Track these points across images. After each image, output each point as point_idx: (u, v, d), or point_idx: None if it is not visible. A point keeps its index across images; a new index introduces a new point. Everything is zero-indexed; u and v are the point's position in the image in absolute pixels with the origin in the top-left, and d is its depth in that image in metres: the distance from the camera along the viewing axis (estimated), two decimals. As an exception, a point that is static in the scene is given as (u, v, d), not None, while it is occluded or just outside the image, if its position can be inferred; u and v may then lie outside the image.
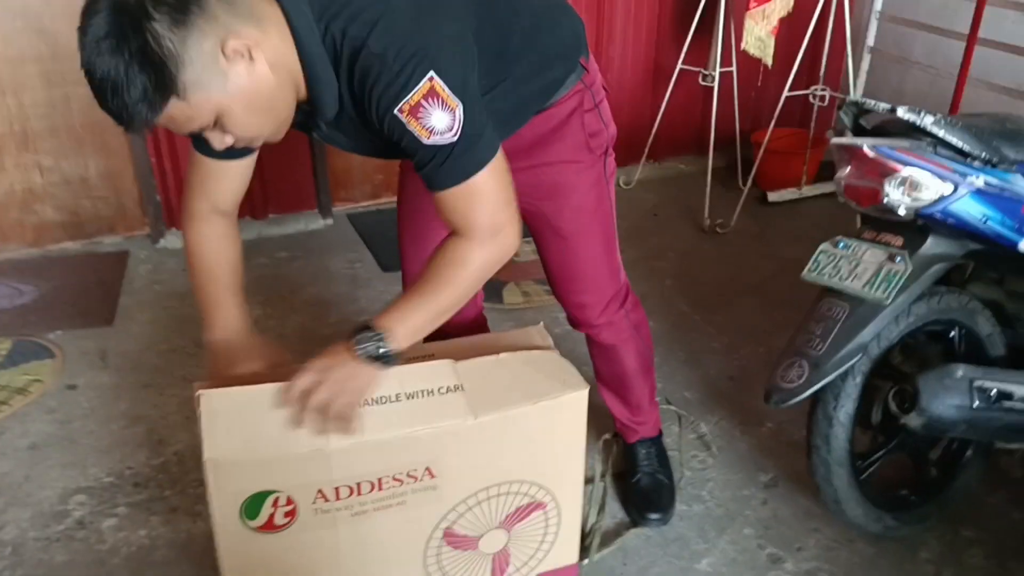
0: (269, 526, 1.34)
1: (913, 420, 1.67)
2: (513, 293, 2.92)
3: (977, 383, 1.68)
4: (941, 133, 1.60)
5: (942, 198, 1.60)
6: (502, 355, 1.48)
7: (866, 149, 1.63)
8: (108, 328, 2.68)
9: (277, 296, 2.89)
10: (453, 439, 1.38)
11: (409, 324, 1.31)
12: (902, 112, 1.60)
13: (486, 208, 1.29)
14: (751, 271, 3.11)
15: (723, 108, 3.49)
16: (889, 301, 1.63)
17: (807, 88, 3.47)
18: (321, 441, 1.29)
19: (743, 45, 3.34)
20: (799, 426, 1.92)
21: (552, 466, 1.53)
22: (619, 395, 1.93)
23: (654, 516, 1.91)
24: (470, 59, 1.26)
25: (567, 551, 1.66)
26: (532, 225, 1.66)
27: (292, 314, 2.79)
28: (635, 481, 1.96)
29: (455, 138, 1.22)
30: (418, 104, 1.18)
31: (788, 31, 3.41)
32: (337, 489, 1.34)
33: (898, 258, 1.65)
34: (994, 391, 1.69)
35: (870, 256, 1.69)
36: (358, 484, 1.35)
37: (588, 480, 1.96)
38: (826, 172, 3.70)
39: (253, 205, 3.37)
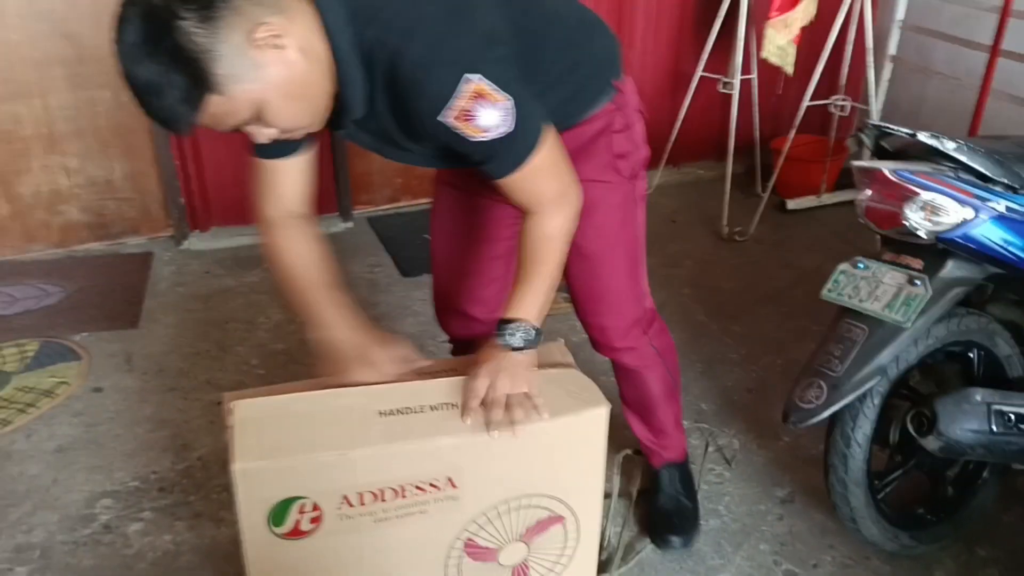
0: (295, 533, 1.37)
1: (931, 443, 1.68)
2: (531, 300, 2.94)
3: (995, 407, 1.69)
4: (963, 158, 1.61)
5: (963, 223, 1.61)
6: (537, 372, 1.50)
7: (887, 173, 1.64)
8: (133, 330, 2.73)
9: (298, 300, 2.92)
10: (474, 451, 1.41)
11: (535, 306, 1.40)
12: (923, 137, 1.61)
13: (550, 181, 1.35)
14: (769, 280, 3.12)
15: (742, 115, 3.49)
16: (909, 324, 1.64)
17: (828, 97, 3.47)
18: (347, 446, 1.33)
19: (763, 54, 3.34)
20: (816, 440, 1.94)
21: (572, 481, 1.55)
22: (642, 418, 1.92)
23: (675, 540, 1.92)
24: (507, 54, 1.27)
25: (585, 566, 1.68)
26: None
27: (313, 319, 2.82)
28: (658, 504, 1.96)
29: (508, 130, 1.24)
30: (466, 108, 1.19)
31: (809, 38, 3.41)
32: (361, 495, 1.38)
33: (918, 281, 1.66)
34: (1012, 415, 1.70)
35: (890, 278, 1.70)
36: (382, 490, 1.39)
37: (608, 495, 1.98)
38: (845, 180, 3.70)
39: (274, 208, 3.40)
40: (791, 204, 3.65)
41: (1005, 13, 2.91)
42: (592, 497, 1.60)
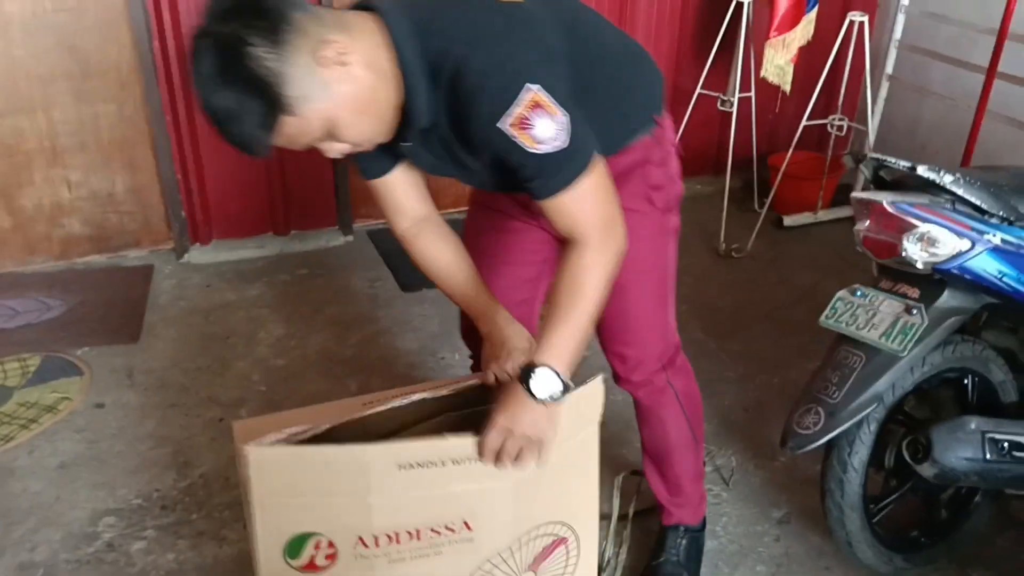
0: (310, 567, 1.38)
1: (926, 470, 1.71)
2: (531, 316, 2.96)
3: (989, 435, 1.72)
4: (960, 191, 1.64)
5: (959, 254, 1.64)
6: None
7: (885, 205, 1.66)
8: (134, 345, 2.74)
9: (298, 315, 2.94)
10: (488, 496, 1.42)
11: (567, 351, 1.35)
12: (922, 171, 1.63)
13: (596, 207, 1.33)
14: (766, 297, 3.14)
15: (740, 131, 3.52)
16: (905, 353, 1.67)
17: (825, 115, 3.50)
18: (363, 492, 1.34)
19: (762, 73, 3.38)
20: (812, 461, 1.96)
21: (571, 501, 1.57)
22: (658, 468, 1.86)
23: None
24: (562, 72, 1.29)
25: (587, 579, 1.70)
26: None
27: (313, 334, 2.84)
28: (655, 564, 1.89)
29: (562, 146, 1.24)
30: (524, 116, 1.21)
31: (807, 58, 3.44)
32: (377, 537, 1.39)
33: (914, 310, 1.69)
34: (1006, 443, 1.73)
35: (887, 307, 1.73)
36: (397, 533, 1.40)
37: (607, 516, 2.00)
38: (841, 197, 3.73)
39: (275, 221, 3.42)
40: (787, 221, 3.68)
41: (1002, 35, 2.94)
42: (590, 513, 1.61)
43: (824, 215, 3.72)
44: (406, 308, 3.01)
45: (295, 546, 1.36)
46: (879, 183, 1.79)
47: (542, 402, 1.32)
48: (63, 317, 2.87)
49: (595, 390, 1.51)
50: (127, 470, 2.20)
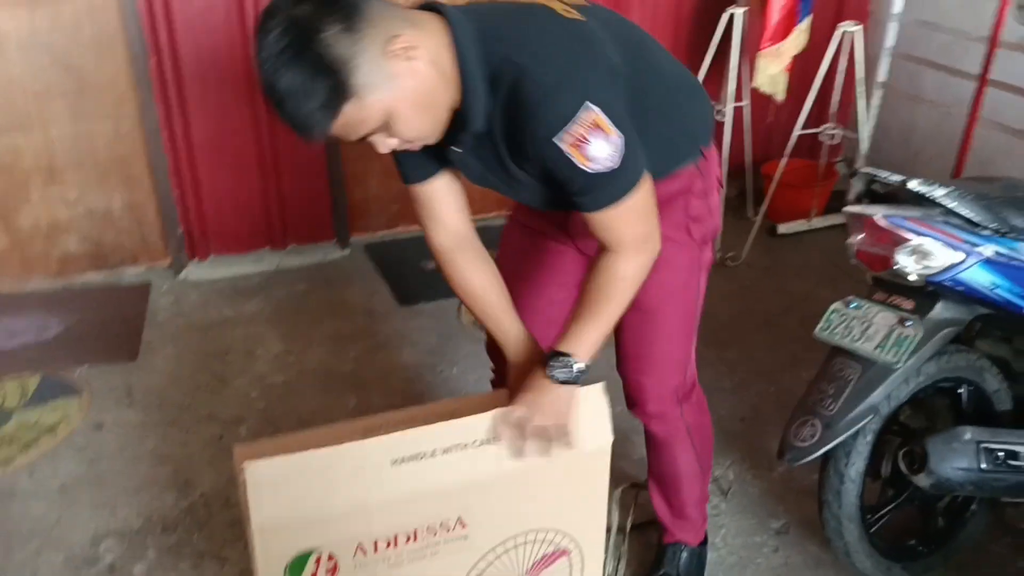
0: (314, 583, 1.40)
1: (922, 481, 1.72)
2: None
3: (984, 445, 1.73)
4: (951, 205, 1.65)
5: (952, 267, 1.66)
6: None
7: (878, 219, 1.68)
8: (132, 363, 2.75)
9: (296, 330, 2.95)
10: (481, 489, 1.44)
11: (588, 342, 1.42)
12: (913, 185, 1.65)
13: (637, 224, 1.36)
14: (761, 306, 3.16)
15: (734, 140, 3.54)
16: (900, 364, 1.68)
17: (819, 124, 3.52)
18: (361, 498, 1.36)
19: (754, 83, 3.39)
20: (810, 470, 1.97)
21: (576, 514, 1.59)
22: (663, 493, 1.87)
23: None
24: (621, 92, 1.30)
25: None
26: None
27: (312, 349, 2.85)
28: None
29: (613, 166, 1.26)
30: (581, 134, 1.22)
31: (801, 66, 3.46)
32: (376, 543, 1.41)
33: (908, 322, 1.70)
34: (1001, 452, 1.74)
35: (881, 319, 1.74)
36: (395, 536, 1.42)
37: (608, 529, 2.01)
38: (835, 204, 3.75)
39: (272, 236, 3.43)
40: (782, 228, 3.69)
41: (993, 43, 2.96)
42: (596, 529, 1.63)
43: (818, 222, 3.73)
44: (404, 322, 3.02)
45: (296, 566, 1.37)
46: (872, 196, 1.81)
47: (562, 383, 1.40)
48: (61, 336, 2.88)
49: (597, 395, 1.52)
50: (128, 490, 2.21)
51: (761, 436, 2.41)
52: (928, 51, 3.49)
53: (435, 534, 1.45)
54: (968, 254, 1.65)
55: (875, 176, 1.72)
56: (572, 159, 1.24)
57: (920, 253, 1.66)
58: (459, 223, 1.53)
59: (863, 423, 1.72)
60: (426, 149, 1.37)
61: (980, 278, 1.66)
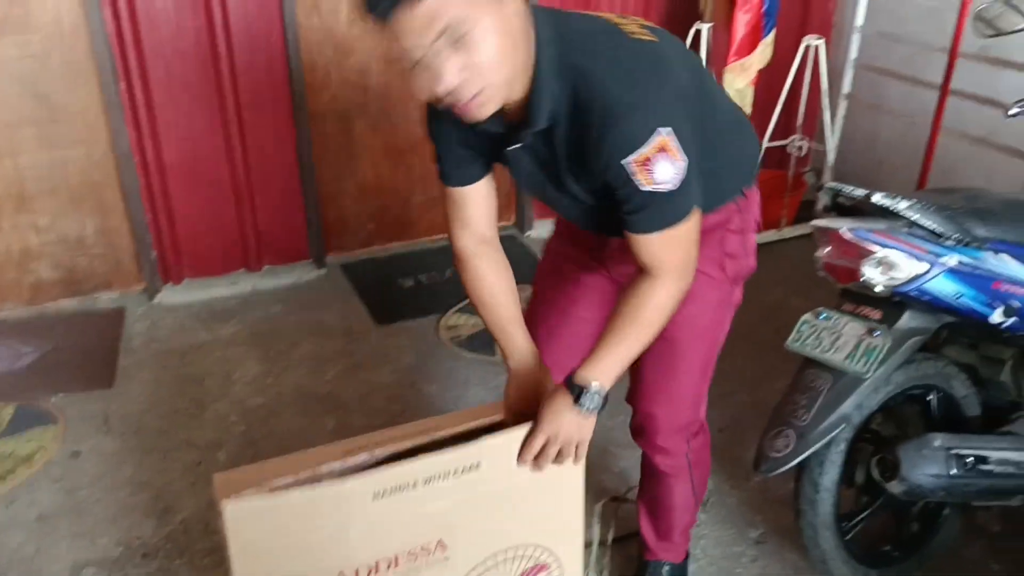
0: (295, 615, 1.40)
1: (895, 488, 1.76)
2: (505, 345, 2.99)
3: (954, 451, 1.76)
4: (915, 216, 1.69)
5: (917, 277, 1.69)
6: (525, 427, 1.53)
7: (843, 232, 1.71)
8: (108, 390, 2.73)
9: (274, 352, 2.95)
10: (461, 512, 1.45)
11: (615, 369, 1.42)
12: (877, 198, 1.69)
13: (681, 252, 1.37)
14: (736, 316, 3.17)
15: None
16: (869, 374, 1.72)
17: (786, 136, 3.58)
18: (342, 528, 1.36)
19: (723, 96, 3.44)
20: (786, 479, 1.99)
21: (555, 528, 1.60)
22: (652, 518, 1.88)
23: None
24: (689, 116, 1.30)
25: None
26: None
27: (289, 371, 2.85)
28: None
29: (672, 188, 1.27)
30: (648, 157, 1.24)
31: (766, 79, 3.52)
32: (357, 571, 1.41)
33: (877, 332, 1.74)
34: (970, 458, 1.78)
35: (850, 329, 1.78)
36: (376, 563, 1.42)
37: (589, 543, 2.03)
38: (805, 213, 3.80)
39: (247, 257, 3.43)
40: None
41: (953, 54, 3.03)
42: (574, 541, 1.64)
43: (789, 232, 3.79)
44: (381, 340, 3.03)
45: None
46: (838, 209, 1.84)
47: (586, 412, 1.40)
48: (35, 364, 2.85)
49: None
50: (106, 519, 2.19)
51: (739, 446, 2.44)
52: (891, 62, 3.57)
53: (416, 559, 1.45)
54: (932, 264, 1.69)
55: (839, 190, 1.76)
56: (635, 179, 1.26)
57: (886, 264, 1.69)
58: (487, 230, 1.54)
59: (835, 432, 1.76)
60: (481, 147, 1.39)
61: (945, 288, 1.70)
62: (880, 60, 3.61)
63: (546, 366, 1.58)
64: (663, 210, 1.31)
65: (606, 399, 1.42)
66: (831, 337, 1.79)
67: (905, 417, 1.95)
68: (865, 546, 1.96)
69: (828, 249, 1.77)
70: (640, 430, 1.75)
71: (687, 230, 1.35)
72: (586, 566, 1.99)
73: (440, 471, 1.43)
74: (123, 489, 2.30)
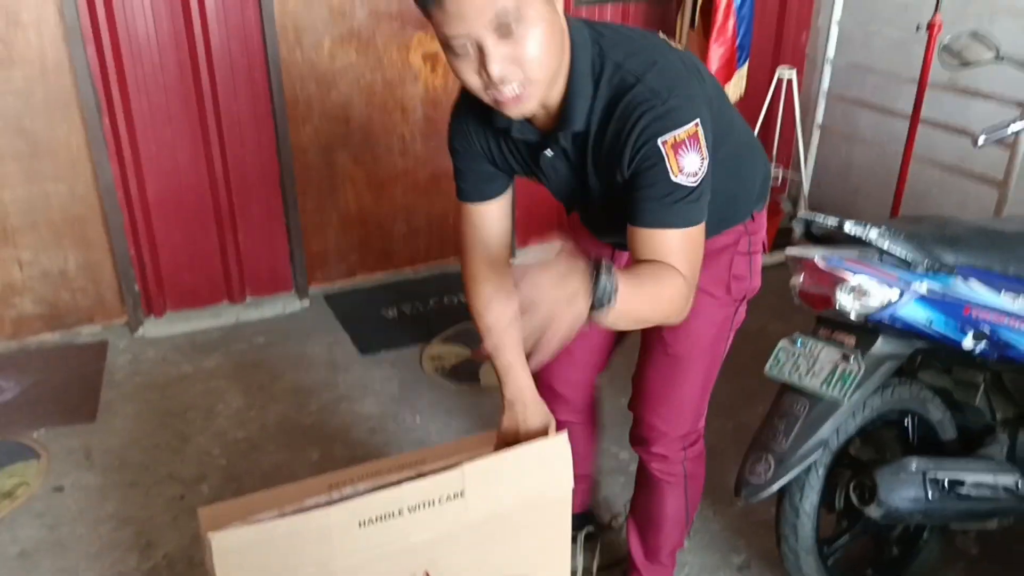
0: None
1: (873, 512, 1.78)
2: (490, 374, 3.01)
3: (930, 475, 1.80)
4: (885, 245, 1.73)
5: (889, 304, 1.73)
6: (509, 451, 1.54)
7: (817, 260, 1.75)
8: (91, 424, 2.72)
9: (257, 385, 2.95)
10: (446, 542, 1.46)
11: (632, 295, 1.17)
12: (849, 227, 1.73)
13: (693, 257, 1.32)
14: (716, 343, 3.22)
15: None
16: (845, 399, 1.75)
17: (762, 164, 3.64)
18: (327, 559, 1.37)
19: (700, 126, 3.51)
20: (768, 504, 2.01)
21: (540, 558, 1.61)
22: (642, 533, 1.91)
23: None
24: (711, 122, 1.33)
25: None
26: (646, 337, 1.72)
27: (273, 403, 2.85)
28: None
29: (694, 185, 1.28)
30: (682, 142, 1.25)
31: (741, 110, 3.54)
32: None
33: (851, 357, 1.77)
34: (946, 481, 1.81)
35: (825, 355, 1.81)
36: None
37: (573, 573, 2.03)
38: (783, 240, 3.86)
39: (230, 289, 3.43)
40: (734, 266, 3.78)
41: (922, 84, 3.11)
42: (560, 572, 1.65)
43: (767, 259, 3.81)
44: (365, 371, 3.04)
45: None
46: (811, 238, 1.89)
47: (588, 297, 1.11)
48: (17, 399, 2.84)
49: (561, 444, 1.56)
50: (89, 554, 2.18)
51: (721, 472, 2.45)
52: (862, 92, 3.65)
53: None
54: (903, 291, 1.73)
55: (812, 220, 1.81)
56: (666, 162, 1.26)
57: (859, 291, 1.73)
58: (501, 252, 1.56)
59: (814, 457, 1.78)
60: (512, 159, 1.42)
61: (916, 314, 1.74)
62: (852, 91, 3.69)
63: (541, 399, 1.58)
64: (683, 207, 1.29)
65: (609, 297, 1.12)
66: (807, 363, 1.82)
67: (883, 441, 1.99)
68: (846, 570, 1.98)
69: (802, 277, 1.81)
70: (640, 438, 1.79)
71: (698, 238, 1.33)
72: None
73: (424, 498, 1.44)
74: (106, 524, 2.29)
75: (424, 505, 1.45)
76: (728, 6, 3.28)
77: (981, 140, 2.16)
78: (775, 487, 1.78)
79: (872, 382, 1.78)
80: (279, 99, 3.22)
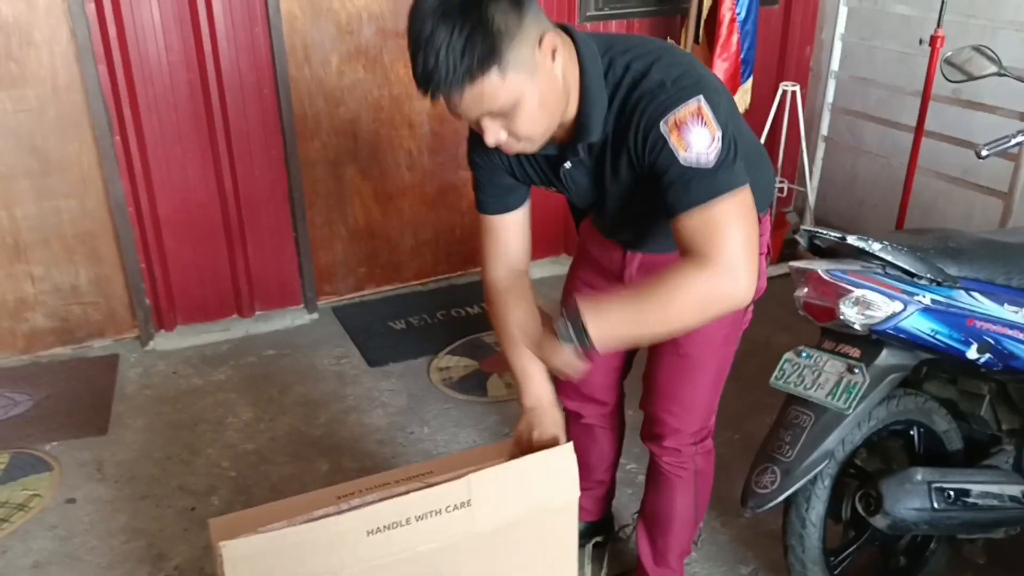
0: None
1: (879, 522, 1.79)
2: (497, 386, 3.03)
3: (936, 485, 1.81)
4: (888, 257, 1.75)
5: (893, 316, 1.75)
6: (515, 462, 1.55)
7: (821, 272, 1.77)
8: (103, 437, 2.75)
9: (266, 397, 2.98)
10: (454, 552, 1.48)
11: (608, 318, 1.30)
12: (851, 240, 1.75)
13: (726, 239, 1.25)
14: (723, 355, 3.23)
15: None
16: (851, 410, 1.76)
17: (767, 177, 3.66)
18: (336, 568, 1.39)
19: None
20: (775, 515, 2.02)
21: (546, 567, 1.62)
22: (651, 534, 1.93)
23: None
24: (728, 110, 1.36)
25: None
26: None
27: (282, 415, 2.87)
28: None
29: (708, 164, 1.27)
30: (684, 120, 1.27)
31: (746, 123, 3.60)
32: None
33: (856, 369, 1.79)
34: (952, 491, 1.82)
35: (830, 367, 1.83)
36: None
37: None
38: (788, 251, 3.87)
39: (240, 303, 3.46)
40: (740, 278, 3.80)
41: (926, 97, 3.13)
42: None
43: (772, 270, 3.81)
44: (373, 384, 3.06)
45: None
46: (815, 251, 1.91)
47: (561, 339, 1.31)
48: (30, 412, 2.87)
49: (566, 454, 1.57)
50: (101, 566, 2.20)
51: (728, 483, 2.46)
52: (866, 105, 3.67)
53: None
54: (907, 303, 1.75)
55: (816, 233, 1.82)
56: (670, 143, 1.27)
57: (862, 304, 1.75)
58: (521, 262, 1.60)
59: (820, 468, 1.79)
60: (532, 172, 1.46)
61: (920, 325, 1.76)
62: (856, 103, 3.71)
63: (557, 406, 1.61)
64: (702, 183, 1.26)
65: (585, 340, 1.28)
66: (812, 374, 1.84)
67: (889, 452, 2.00)
68: (853, 580, 1.99)
69: (806, 289, 1.83)
70: (652, 434, 1.83)
71: (731, 212, 1.26)
72: (579, 606, 2.02)
73: (431, 508, 1.46)
74: (118, 536, 2.31)
75: (431, 514, 1.47)
76: (732, 21, 3.31)
77: (985, 152, 2.18)
78: (781, 498, 1.79)
79: (877, 393, 1.80)
80: (288, 115, 3.26)
